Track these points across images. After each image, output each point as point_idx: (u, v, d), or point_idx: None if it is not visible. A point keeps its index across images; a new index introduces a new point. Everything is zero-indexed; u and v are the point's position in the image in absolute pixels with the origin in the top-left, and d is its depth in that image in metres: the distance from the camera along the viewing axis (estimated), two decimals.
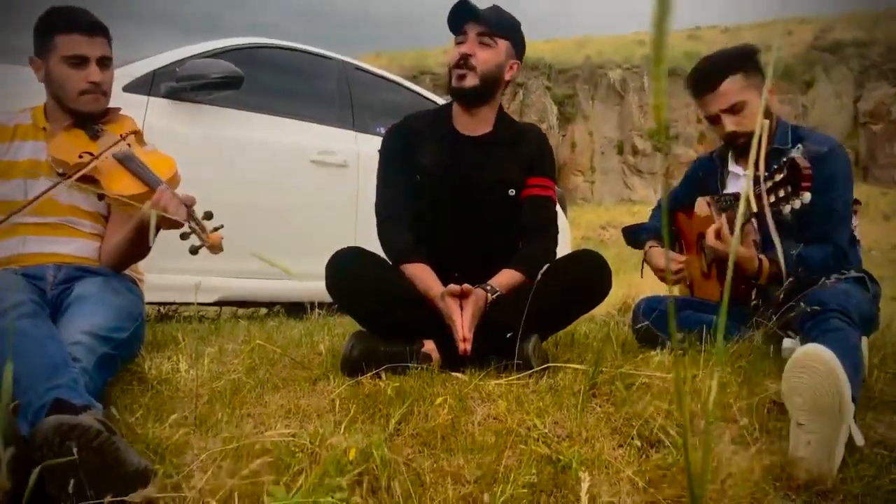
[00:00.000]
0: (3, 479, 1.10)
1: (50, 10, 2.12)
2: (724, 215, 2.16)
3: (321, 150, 3.99)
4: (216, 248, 1.95)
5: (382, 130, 2.59)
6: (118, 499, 1.24)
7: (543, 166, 2.27)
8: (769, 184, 1.95)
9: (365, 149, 4.07)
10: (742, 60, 2.24)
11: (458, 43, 2.19)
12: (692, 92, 2.34)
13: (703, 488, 0.45)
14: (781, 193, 1.90)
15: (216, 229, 1.96)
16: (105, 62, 2.15)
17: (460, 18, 2.18)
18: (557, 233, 2.26)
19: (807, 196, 1.86)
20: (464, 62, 2.15)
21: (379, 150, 2.31)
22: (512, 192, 2.21)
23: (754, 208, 2.01)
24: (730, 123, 2.24)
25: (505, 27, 2.20)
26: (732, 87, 2.21)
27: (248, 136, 3.71)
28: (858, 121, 27.54)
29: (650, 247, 2.53)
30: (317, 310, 3.41)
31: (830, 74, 27.98)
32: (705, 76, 2.27)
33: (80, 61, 2.10)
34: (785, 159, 1.90)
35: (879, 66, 27.17)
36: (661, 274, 2.48)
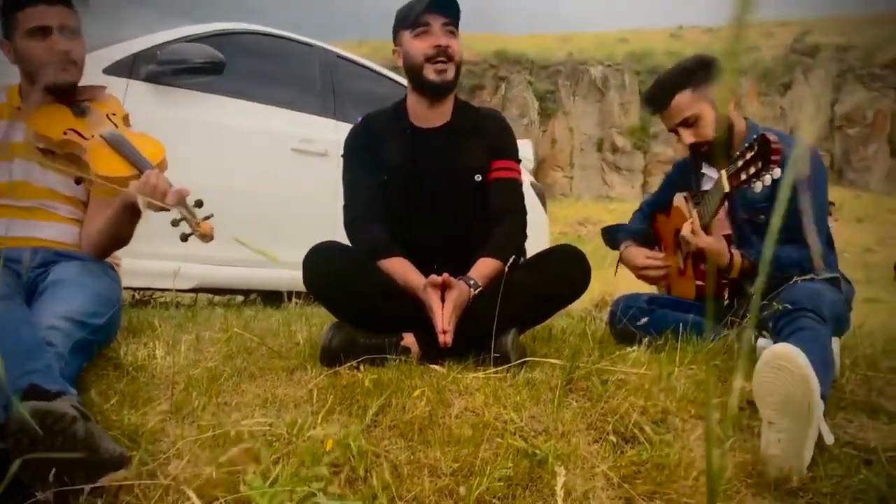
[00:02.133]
0: None
1: None
2: (697, 210, 2.20)
3: (302, 139, 3.96)
4: (207, 237, 1.93)
5: None
6: (93, 485, 1.23)
7: (506, 149, 2.25)
8: (740, 163, 1.98)
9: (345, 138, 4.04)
10: (688, 75, 2.29)
11: (422, 34, 2.11)
12: (649, 111, 2.42)
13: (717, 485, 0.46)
14: (752, 170, 1.94)
15: (207, 218, 1.94)
16: (68, 30, 2.08)
17: (431, 9, 2.10)
18: (526, 213, 2.24)
19: (777, 171, 1.90)
20: (444, 54, 2.11)
21: (342, 155, 2.28)
22: (478, 177, 2.19)
23: (726, 188, 2.04)
24: (687, 136, 2.31)
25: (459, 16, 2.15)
26: (682, 103, 2.27)
27: (229, 122, 3.67)
28: (834, 124, 27.94)
29: (626, 247, 2.56)
30: (294, 299, 3.39)
31: (808, 77, 28.34)
32: (656, 95, 2.35)
33: (41, 32, 2.05)
34: (755, 136, 1.94)
35: (857, 70, 27.55)
36: (639, 273, 2.50)
